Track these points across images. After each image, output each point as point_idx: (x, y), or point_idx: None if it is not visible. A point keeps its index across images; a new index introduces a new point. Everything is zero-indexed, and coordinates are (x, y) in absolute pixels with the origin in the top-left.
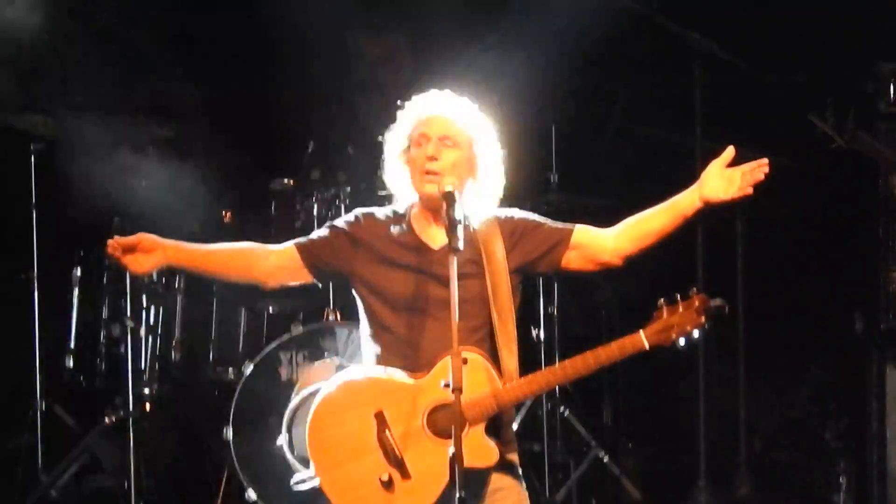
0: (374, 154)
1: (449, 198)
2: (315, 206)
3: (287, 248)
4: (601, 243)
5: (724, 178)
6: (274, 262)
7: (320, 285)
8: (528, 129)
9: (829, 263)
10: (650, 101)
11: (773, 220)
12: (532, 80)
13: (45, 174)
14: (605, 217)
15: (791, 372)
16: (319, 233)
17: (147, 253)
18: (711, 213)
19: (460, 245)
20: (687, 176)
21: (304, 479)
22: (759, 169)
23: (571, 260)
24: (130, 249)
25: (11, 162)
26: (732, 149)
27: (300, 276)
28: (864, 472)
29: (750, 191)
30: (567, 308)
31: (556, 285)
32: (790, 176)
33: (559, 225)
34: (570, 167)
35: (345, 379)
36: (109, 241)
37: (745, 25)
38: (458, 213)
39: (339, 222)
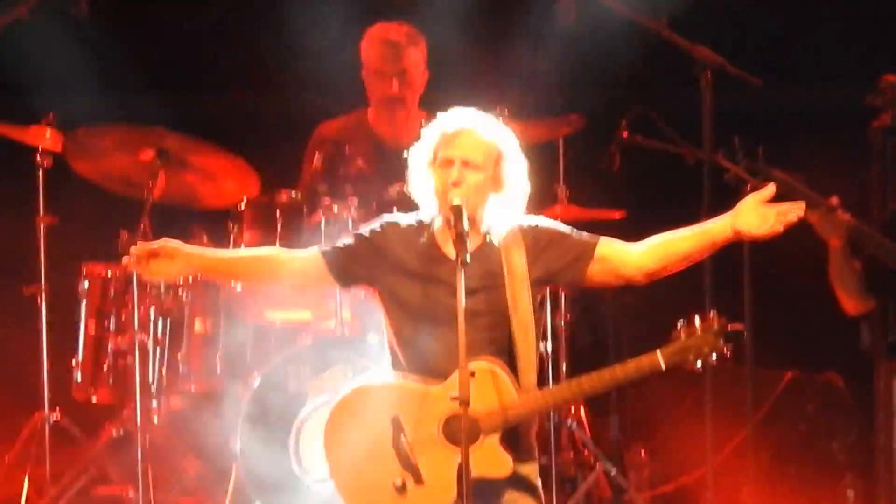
0: (384, 167)
1: (456, 211)
2: (322, 219)
3: (312, 254)
4: (625, 258)
5: (759, 214)
6: (298, 267)
7: (341, 290)
8: (537, 142)
9: None
10: (658, 114)
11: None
12: (540, 92)
13: (51, 187)
14: (612, 230)
15: (798, 384)
16: (345, 240)
17: (170, 259)
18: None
19: (468, 258)
20: (694, 189)
21: (318, 479)
22: (793, 211)
23: (595, 273)
24: (153, 256)
25: (18, 175)
26: (773, 186)
27: (324, 282)
28: (871, 484)
29: (780, 229)
30: (574, 321)
31: (563, 298)
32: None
33: (584, 236)
34: (577, 180)
35: (362, 383)
36: (131, 250)
37: (754, 40)
38: (466, 226)
39: (364, 230)
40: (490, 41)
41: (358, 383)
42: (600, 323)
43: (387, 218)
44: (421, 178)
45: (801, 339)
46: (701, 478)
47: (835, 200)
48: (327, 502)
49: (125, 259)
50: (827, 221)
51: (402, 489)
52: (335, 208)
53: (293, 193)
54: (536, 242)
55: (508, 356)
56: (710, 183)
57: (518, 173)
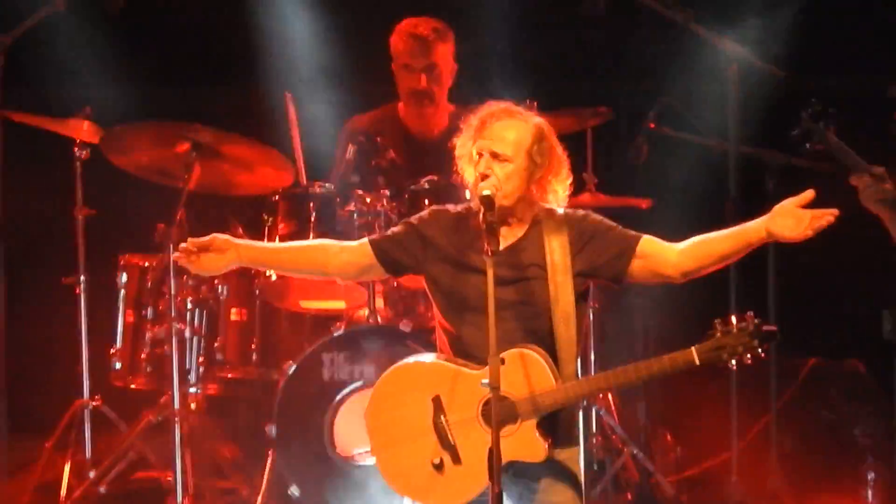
0: (414, 159)
1: (485, 202)
2: (355, 210)
3: (361, 245)
4: (665, 256)
5: (795, 217)
6: (346, 258)
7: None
8: (565, 133)
9: (857, 265)
10: (685, 105)
11: None
12: (567, 83)
13: (89, 179)
14: (639, 220)
15: (821, 371)
16: (394, 229)
17: (220, 253)
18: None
19: (497, 248)
20: (720, 180)
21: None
22: (826, 216)
23: (635, 269)
24: (203, 250)
25: (57, 167)
26: (812, 192)
27: (374, 272)
28: (892, 468)
29: (811, 234)
30: (602, 308)
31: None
32: (820, 179)
33: (628, 232)
34: (605, 171)
35: (405, 362)
36: (181, 244)
37: (779, 32)
38: (495, 217)
39: (413, 219)
40: (519, 33)
41: (401, 363)
42: (628, 310)
43: (436, 207)
44: (463, 171)
45: (824, 327)
46: (726, 462)
47: (880, 170)
48: (361, 485)
49: (175, 254)
50: (869, 189)
51: (440, 468)
52: (367, 200)
53: (326, 184)
54: (581, 235)
55: (549, 347)
56: (735, 173)
57: (556, 163)
